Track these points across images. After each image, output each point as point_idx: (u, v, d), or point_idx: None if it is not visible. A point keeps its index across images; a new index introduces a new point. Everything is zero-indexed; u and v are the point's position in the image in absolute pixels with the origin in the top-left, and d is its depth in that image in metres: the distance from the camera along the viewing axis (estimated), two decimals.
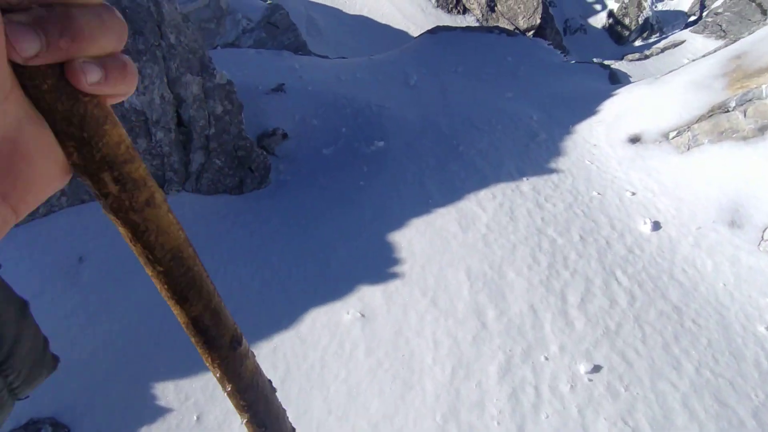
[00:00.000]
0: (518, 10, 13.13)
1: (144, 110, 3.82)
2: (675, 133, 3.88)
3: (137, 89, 3.81)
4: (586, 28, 24.04)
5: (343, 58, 7.56)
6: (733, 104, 3.69)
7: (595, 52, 23.28)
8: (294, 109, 5.19)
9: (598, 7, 24.70)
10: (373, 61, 6.63)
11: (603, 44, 24.44)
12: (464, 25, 12.26)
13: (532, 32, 13.47)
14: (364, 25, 12.91)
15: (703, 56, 4.52)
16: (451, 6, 13.25)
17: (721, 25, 14.50)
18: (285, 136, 4.91)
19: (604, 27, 24.20)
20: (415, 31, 13.07)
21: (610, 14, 23.59)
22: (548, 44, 7.44)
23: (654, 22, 23.24)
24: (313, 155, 4.70)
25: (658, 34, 23.72)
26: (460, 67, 6.17)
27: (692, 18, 22.96)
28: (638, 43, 23.99)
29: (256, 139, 4.88)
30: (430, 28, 13.19)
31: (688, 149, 3.77)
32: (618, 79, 6.47)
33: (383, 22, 13.13)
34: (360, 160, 4.41)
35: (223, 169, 4.16)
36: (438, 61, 6.36)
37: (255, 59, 6.31)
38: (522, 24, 13.24)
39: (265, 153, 4.35)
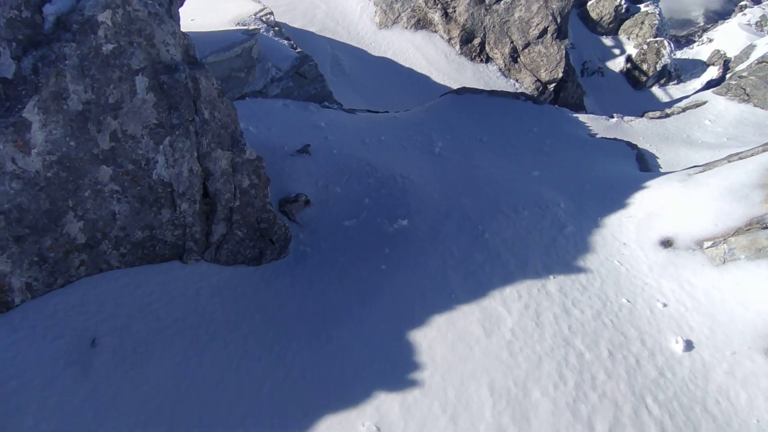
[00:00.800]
0: (541, 63, 13.23)
1: (171, 182, 3.80)
2: (710, 243, 3.76)
3: (167, 161, 3.80)
4: (603, 71, 24.25)
5: (369, 111, 7.60)
6: None
7: (612, 95, 23.40)
8: (318, 174, 5.17)
9: (616, 51, 24.95)
10: (398, 122, 6.65)
11: (620, 88, 24.59)
12: (488, 87, 12.39)
13: (553, 84, 13.54)
14: (388, 67, 13.08)
15: (739, 157, 4.44)
16: (474, 54, 13.41)
17: (745, 89, 14.46)
18: (307, 202, 4.87)
19: (621, 71, 24.40)
20: (437, 77, 13.22)
21: (629, 59, 23.77)
22: (573, 114, 7.43)
23: (672, 70, 23.36)
24: (335, 227, 4.64)
25: (675, 81, 23.79)
26: (485, 136, 6.16)
27: (712, 68, 23.06)
28: (655, 89, 24.08)
29: (277, 204, 4.84)
30: (452, 74, 13.39)
31: (724, 263, 3.65)
32: (646, 162, 6.41)
33: (407, 65, 13.29)
34: (382, 240, 4.34)
35: (244, 240, 4.11)
36: (463, 127, 6.36)
37: (282, 114, 6.35)
38: (544, 76, 13.33)
39: (286, 225, 4.30)
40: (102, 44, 3.41)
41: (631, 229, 4.20)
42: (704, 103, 14.88)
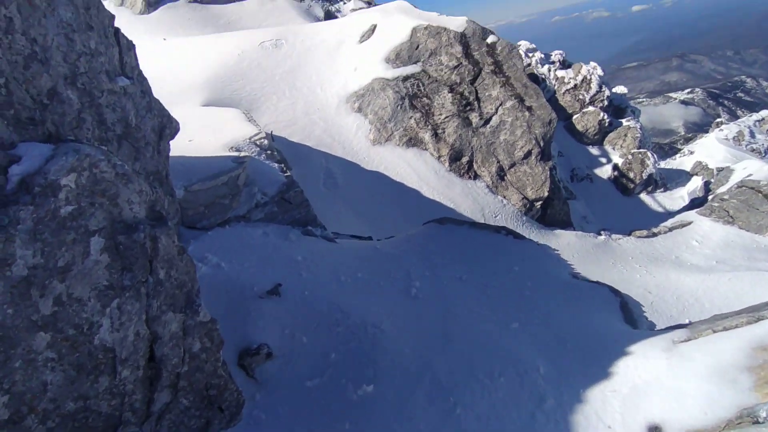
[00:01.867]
0: (527, 182, 13.66)
1: (114, 347, 3.53)
2: None
3: (112, 325, 3.56)
4: (592, 177, 25.18)
5: (353, 236, 7.58)
6: (763, 414, 3.26)
7: (602, 201, 23.95)
8: (285, 320, 4.90)
9: (603, 160, 26.17)
10: (378, 254, 6.56)
11: (609, 194, 25.34)
12: (477, 202, 12.71)
13: (540, 202, 13.83)
14: (380, 181, 13.48)
15: (723, 327, 4.22)
16: (462, 171, 13.90)
17: (728, 211, 14.82)
18: (269, 355, 4.54)
19: (609, 178, 25.41)
20: (427, 192, 13.56)
21: (615, 167, 24.88)
22: (555, 252, 7.42)
23: (658, 178, 24.39)
24: (296, 387, 4.26)
25: (662, 189, 24.66)
26: (464, 274, 6.03)
27: (696, 178, 24.05)
28: (644, 195, 24.83)
29: (237, 355, 4.51)
30: (441, 189, 13.75)
31: None
32: (630, 312, 6.23)
33: (398, 179, 13.72)
34: (345, 408, 3.94)
35: (189, 409, 3.73)
36: (443, 264, 6.26)
37: (260, 245, 6.26)
38: (530, 194, 13.67)
39: (239, 390, 3.93)
40: (61, 206, 3.37)
41: (616, 408, 3.83)
42: (690, 223, 15.15)
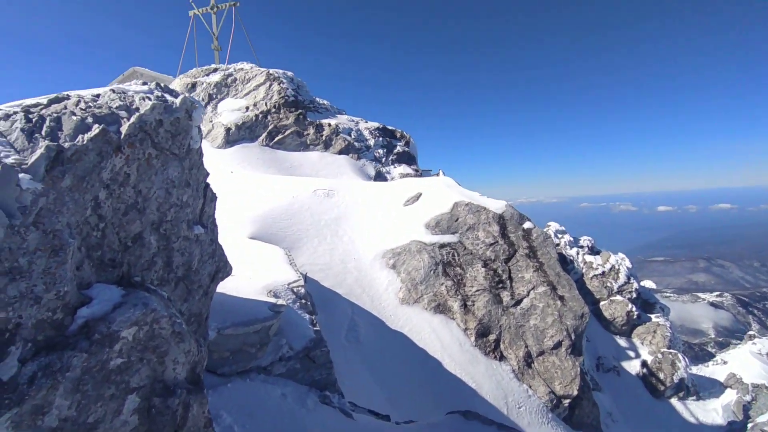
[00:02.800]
0: (555, 375, 12.91)
1: None
2: None
3: None
4: (619, 371, 23.45)
5: (371, 412, 7.09)
6: None
7: (630, 399, 21.83)
8: None
9: (631, 353, 24.67)
10: None
11: (638, 392, 23.20)
12: (500, 387, 12.01)
13: (568, 400, 12.85)
14: (402, 344, 13.10)
15: None
16: (488, 349, 13.40)
17: None
18: None
19: (638, 375, 23.63)
20: (449, 364, 12.95)
21: (644, 364, 23.35)
22: None
23: (690, 384, 22.55)
24: None
25: (695, 397, 22.64)
26: None
27: (730, 391, 22.17)
28: (675, 401, 22.68)
29: None
30: (464, 365, 13.11)
31: None
32: None
33: (421, 345, 13.30)
34: None
35: None
36: None
37: (275, 409, 5.92)
38: (558, 389, 12.79)
39: None
40: (112, 358, 3.41)
41: None
42: None
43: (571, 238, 28.73)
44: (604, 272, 25.66)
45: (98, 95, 4.67)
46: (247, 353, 6.90)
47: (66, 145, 3.80)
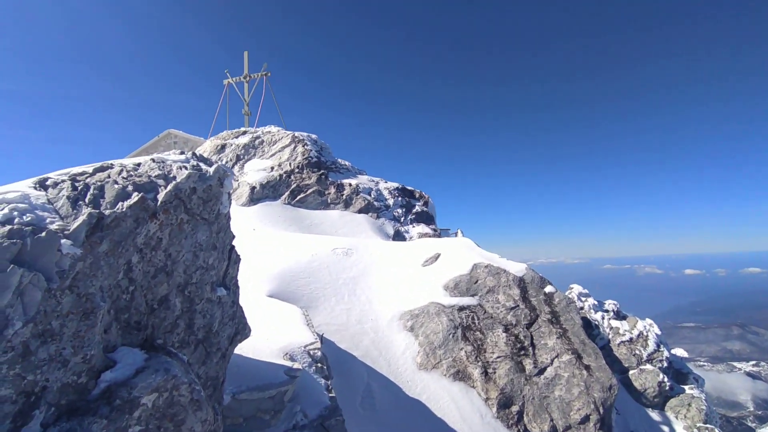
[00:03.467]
0: None
1: None
2: None
3: None
4: None
5: None
6: None
7: None
8: None
9: (665, 429, 22.99)
10: None
11: None
12: None
13: None
14: (420, 413, 12.51)
15: None
16: (511, 422, 12.67)
17: None
18: None
19: None
20: None
21: None
22: None
23: None
24: None
25: None
26: None
27: None
28: None
29: None
30: None
31: None
32: None
33: (439, 415, 12.67)
34: None
35: None
36: None
37: None
38: None
39: None
40: (131, 426, 3.40)
41: None
42: None
43: (596, 302, 27.82)
44: (631, 338, 24.51)
45: (139, 164, 5.01)
46: (260, 420, 6.72)
47: (107, 212, 4.04)
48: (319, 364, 8.93)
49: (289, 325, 10.65)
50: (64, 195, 4.10)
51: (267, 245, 18.62)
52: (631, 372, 23.05)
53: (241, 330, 6.46)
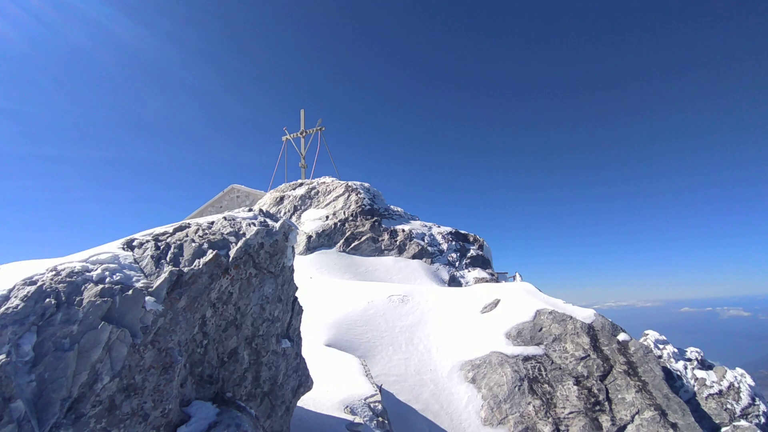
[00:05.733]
0: None
1: None
2: None
3: None
4: None
5: None
6: None
7: None
8: None
9: None
10: None
11: None
12: None
13: None
14: None
15: None
16: None
17: None
18: None
19: None
20: None
21: None
22: None
23: None
24: None
25: None
26: None
27: None
28: None
29: None
30: None
31: None
32: None
33: None
34: None
35: None
36: None
37: None
38: None
39: None
40: None
41: None
42: None
43: (675, 350, 25.28)
44: (721, 391, 21.81)
45: (212, 222, 5.35)
46: None
47: (185, 269, 4.31)
48: (380, 418, 8.67)
49: (347, 376, 10.53)
50: (148, 254, 4.44)
51: (323, 293, 18.86)
52: (723, 429, 20.36)
53: (304, 382, 6.47)
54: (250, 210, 5.90)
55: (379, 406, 8.92)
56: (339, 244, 26.25)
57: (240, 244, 4.93)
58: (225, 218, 5.44)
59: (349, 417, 7.87)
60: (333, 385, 9.57)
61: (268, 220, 5.72)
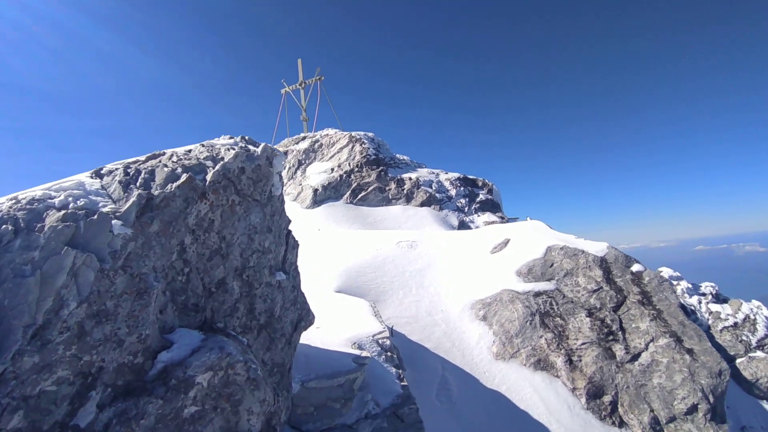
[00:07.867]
0: None
1: None
2: None
3: None
4: None
5: None
6: None
7: None
8: None
9: None
10: None
11: None
12: None
13: None
14: (501, 405, 11.77)
15: None
16: (604, 413, 11.54)
17: None
18: None
19: None
20: (558, 431, 11.32)
21: None
22: None
23: None
24: None
25: None
26: None
27: None
28: None
29: None
30: (576, 430, 11.37)
31: None
32: None
33: (522, 407, 11.85)
34: None
35: None
36: None
37: None
38: None
39: None
40: (186, 406, 3.25)
41: None
42: None
43: (690, 285, 25.04)
44: (736, 323, 21.66)
45: (190, 150, 4.96)
46: (331, 409, 6.51)
47: (156, 192, 3.96)
48: (389, 353, 8.61)
49: (356, 317, 10.46)
50: (116, 180, 4.10)
51: (332, 244, 18.74)
52: (738, 360, 20.37)
53: (305, 316, 6.29)
54: (231, 137, 5.49)
55: (388, 342, 8.84)
56: (346, 196, 25.94)
57: (218, 167, 4.56)
58: (203, 145, 5.06)
59: (357, 352, 7.78)
60: (341, 325, 9.50)
61: (249, 145, 5.31)
